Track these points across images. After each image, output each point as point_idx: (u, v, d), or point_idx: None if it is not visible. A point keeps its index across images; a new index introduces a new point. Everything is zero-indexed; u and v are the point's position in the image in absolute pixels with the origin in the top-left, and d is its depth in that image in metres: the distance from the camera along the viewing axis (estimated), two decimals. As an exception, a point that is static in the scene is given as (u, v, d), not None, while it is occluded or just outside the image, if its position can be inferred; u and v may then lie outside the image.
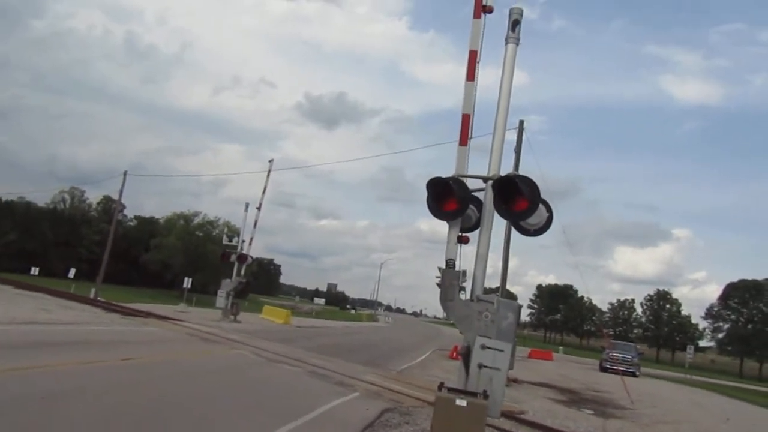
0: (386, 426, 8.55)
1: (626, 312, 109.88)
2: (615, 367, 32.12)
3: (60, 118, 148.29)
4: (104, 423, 6.45)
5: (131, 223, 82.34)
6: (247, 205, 32.42)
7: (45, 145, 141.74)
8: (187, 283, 39.60)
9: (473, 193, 6.32)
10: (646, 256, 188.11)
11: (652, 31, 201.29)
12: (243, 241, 32.60)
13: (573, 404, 15.70)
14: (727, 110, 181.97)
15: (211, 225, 76.40)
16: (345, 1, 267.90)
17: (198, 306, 40.75)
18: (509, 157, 19.58)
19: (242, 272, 31.24)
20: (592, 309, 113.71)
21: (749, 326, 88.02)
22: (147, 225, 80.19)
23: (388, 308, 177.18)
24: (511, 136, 20.03)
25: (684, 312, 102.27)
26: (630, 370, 32.57)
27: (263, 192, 30.97)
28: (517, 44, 6.40)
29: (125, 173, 40.67)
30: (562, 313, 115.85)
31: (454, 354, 24.45)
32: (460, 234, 6.22)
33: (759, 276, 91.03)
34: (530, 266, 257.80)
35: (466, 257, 6.21)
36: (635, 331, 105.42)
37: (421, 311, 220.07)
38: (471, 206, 6.34)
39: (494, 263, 50.78)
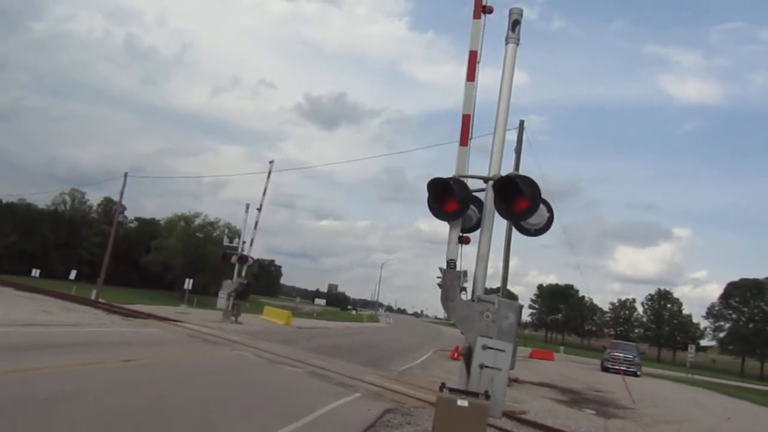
0: (388, 426, 8.56)
1: (627, 312, 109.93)
2: (616, 367, 32.13)
3: (60, 119, 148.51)
4: (105, 424, 6.45)
5: (132, 225, 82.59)
6: (247, 206, 32.46)
7: (45, 146, 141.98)
8: (188, 284, 39.67)
9: (474, 194, 6.32)
10: (646, 256, 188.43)
11: (652, 31, 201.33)
12: (244, 242, 32.56)
13: (574, 404, 15.69)
14: (727, 110, 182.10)
15: (211, 226, 76.36)
16: (344, 1, 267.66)
17: (199, 307, 40.79)
18: (510, 157, 19.61)
19: (243, 273, 31.23)
20: (593, 309, 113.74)
21: (750, 325, 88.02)
22: (147, 226, 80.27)
23: (389, 309, 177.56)
24: (512, 137, 20.05)
25: (685, 311, 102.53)
26: (631, 369, 32.50)
27: (264, 193, 31.02)
28: (517, 44, 6.40)
29: (126, 175, 40.59)
30: (563, 313, 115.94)
31: (455, 354, 24.45)
32: (460, 234, 6.22)
33: (760, 275, 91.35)
34: (531, 266, 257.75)
35: (467, 257, 6.23)
36: (636, 330, 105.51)
37: (421, 312, 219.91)
38: (472, 206, 6.34)
39: (495, 263, 50.88)
